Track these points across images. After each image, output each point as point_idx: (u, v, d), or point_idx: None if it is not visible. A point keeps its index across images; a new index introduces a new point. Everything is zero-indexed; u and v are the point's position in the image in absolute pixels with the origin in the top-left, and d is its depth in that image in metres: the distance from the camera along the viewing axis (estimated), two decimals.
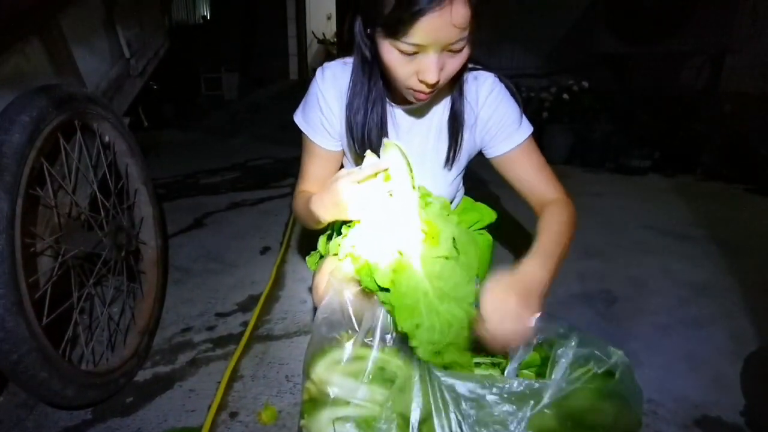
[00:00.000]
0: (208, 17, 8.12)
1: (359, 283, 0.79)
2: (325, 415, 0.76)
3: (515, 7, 4.32)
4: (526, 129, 0.94)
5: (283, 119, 5.71)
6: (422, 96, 0.81)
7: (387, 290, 0.75)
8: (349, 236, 0.84)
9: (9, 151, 0.85)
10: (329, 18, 6.90)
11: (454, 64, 0.78)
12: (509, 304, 0.74)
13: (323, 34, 6.59)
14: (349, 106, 0.92)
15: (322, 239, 1.04)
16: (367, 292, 0.79)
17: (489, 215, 1.14)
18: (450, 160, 0.97)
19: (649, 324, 1.41)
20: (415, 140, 0.99)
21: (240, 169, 3.70)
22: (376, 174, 0.79)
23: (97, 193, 1.17)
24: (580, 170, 3.51)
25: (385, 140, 0.83)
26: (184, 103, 7.08)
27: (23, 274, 0.86)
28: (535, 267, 0.79)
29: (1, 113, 0.89)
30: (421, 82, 0.78)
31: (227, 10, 7.27)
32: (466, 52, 0.78)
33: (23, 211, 0.88)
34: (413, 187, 0.80)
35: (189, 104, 7.08)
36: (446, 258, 0.76)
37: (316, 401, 0.79)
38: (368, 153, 0.84)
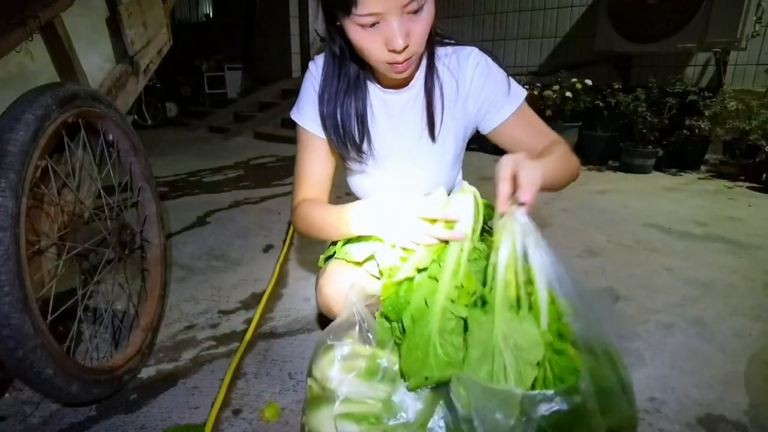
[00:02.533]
0: (211, 15, 8.13)
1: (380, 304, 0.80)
2: (327, 412, 0.77)
3: (518, 5, 4.31)
4: (520, 93, 0.94)
5: (286, 117, 5.72)
6: (399, 67, 0.81)
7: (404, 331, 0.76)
8: (387, 255, 0.84)
9: (14, 150, 0.85)
10: None
11: (418, 27, 0.78)
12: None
13: None
14: (320, 99, 0.94)
15: (340, 242, 1.03)
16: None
17: (489, 212, 1.15)
18: (432, 131, 0.97)
19: (653, 322, 1.41)
20: (408, 120, 0.98)
21: (243, 167, 3.70)
22: (436, 220, 0.80)
23: (101, 191, 1.17)
24: (584, 168, 3.50)
25: (465, 184, 0.84)
26: (187, 101, 7.10)
27: (28, 271, 0.86)
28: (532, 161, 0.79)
29: (6, 111, 0.90)
30: (391, 51, 0.78)
31: (230, 8, 7.27)
32: (428, 13, 0.78)
33: (28, 209, 0.88)
34: (469, 238, 0.80)
35: (192, 103, 7.10)
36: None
37: (319, 398, 0.80)
38: (439, 190, 0.86)
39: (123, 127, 1.30)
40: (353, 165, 1.03)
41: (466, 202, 0.80)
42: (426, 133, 0.98)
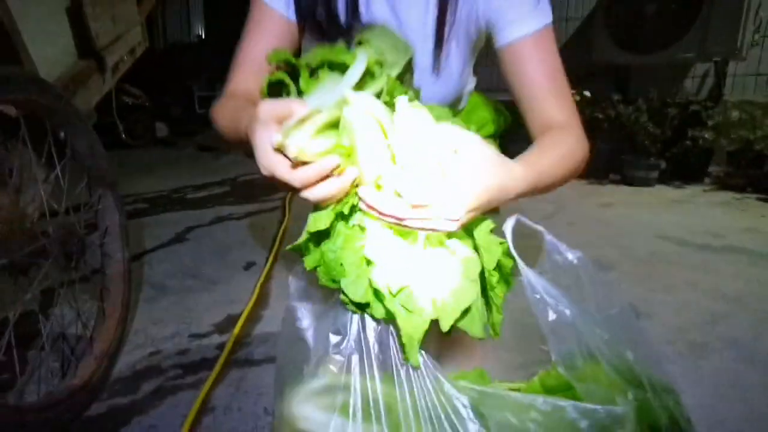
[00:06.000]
0: (203, 36, 8.11)
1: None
2: None
3: None
4: (544, 15, 0.76)
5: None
6: None
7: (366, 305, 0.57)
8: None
9: None
10: None
11: None
12: (481, 166, 0.53)
13: None
14: None
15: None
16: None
17: (500, 119, 0.94)
18: (439, 35, 0.78)
19: (683, 342, 1.24)
20: (413, 14, 0.80)
21: (229, 183, 3.55)
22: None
23: (43, 195, 1.00)
24: (584, 182, 3.38)
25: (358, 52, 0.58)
26: (178, 122, 6.98)
27: None
28: (516, 169, 0.59)
29: None
30: None
31: (222, 28, 7.24)
32: None
33: None
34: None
35: (182, 123, 6.99)
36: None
37: None
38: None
39: (79, 126, 1.15)
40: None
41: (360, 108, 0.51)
42: (432, 29, 0.80)
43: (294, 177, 0.51)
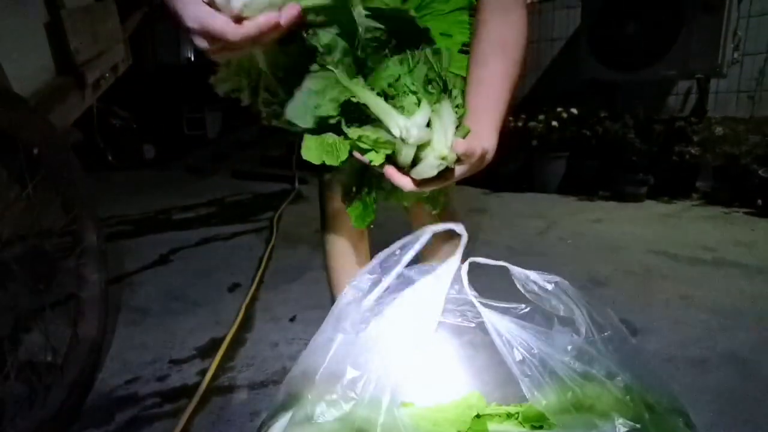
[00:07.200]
0: (192, 58, 8.13)
1: None
2: None
3: None
4: None
5: (266, 154, 5.57)
6: None
7: None
8: None
9: None
10: None
11: None
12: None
13: None
14: None
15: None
16: None
17: None
18: None
19: (682, 359, 1.20)
20: None
21: (217, 204, 3.49)
22: None
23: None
24: (574, 198, 3.38)
25: None
26: (166, 143, 6.93)
27: None
28: (485, 130, 0.62)
29: None
30: None
31: None
32: None
33: None
34: None
35: (170, 144, 6.93)
36: None
37: None
38: None
39: (53, 141, 1.10)
40: None
41: None
42: None
43: (234, 31, 0.45)
